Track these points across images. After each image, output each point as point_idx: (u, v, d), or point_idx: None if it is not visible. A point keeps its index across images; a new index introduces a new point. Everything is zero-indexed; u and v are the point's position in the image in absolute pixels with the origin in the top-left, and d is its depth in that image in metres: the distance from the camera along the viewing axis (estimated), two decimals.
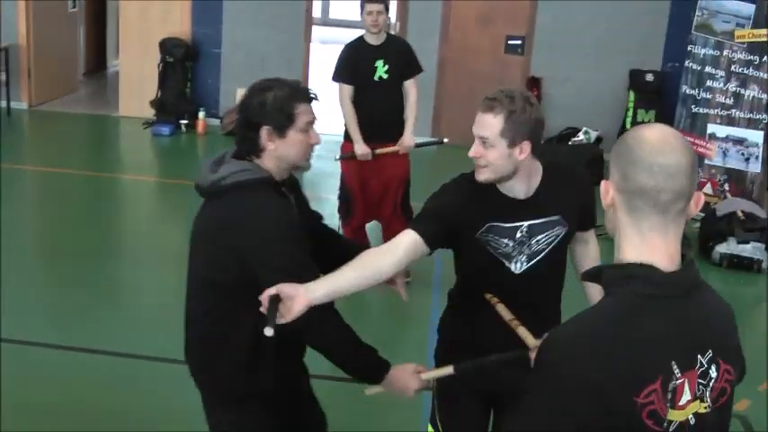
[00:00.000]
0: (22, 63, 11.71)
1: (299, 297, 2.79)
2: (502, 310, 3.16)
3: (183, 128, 11.12)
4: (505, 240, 3.16)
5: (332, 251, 3.38)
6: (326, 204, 7.49)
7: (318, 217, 3.55)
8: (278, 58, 11.18)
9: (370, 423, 4.91)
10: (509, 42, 11.01)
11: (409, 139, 6.52)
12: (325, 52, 16.87)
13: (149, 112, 11.18)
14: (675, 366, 1.85)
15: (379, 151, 6.48)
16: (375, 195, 6.69)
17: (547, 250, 3.19)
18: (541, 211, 3.16)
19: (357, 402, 4.53)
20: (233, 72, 11.31)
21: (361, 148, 6.49)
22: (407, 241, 3.06)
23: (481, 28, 10.89)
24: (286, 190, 3.19)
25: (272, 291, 2.76)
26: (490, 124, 3.02)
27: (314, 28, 12.19)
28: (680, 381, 1.86)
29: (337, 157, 6.80)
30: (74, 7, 12.84)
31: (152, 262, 6.93)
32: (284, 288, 2.78)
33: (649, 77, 10.75)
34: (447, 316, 3.53)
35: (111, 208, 8.99)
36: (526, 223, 3.16)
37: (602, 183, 1.97)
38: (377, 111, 6.48)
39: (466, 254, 3.29)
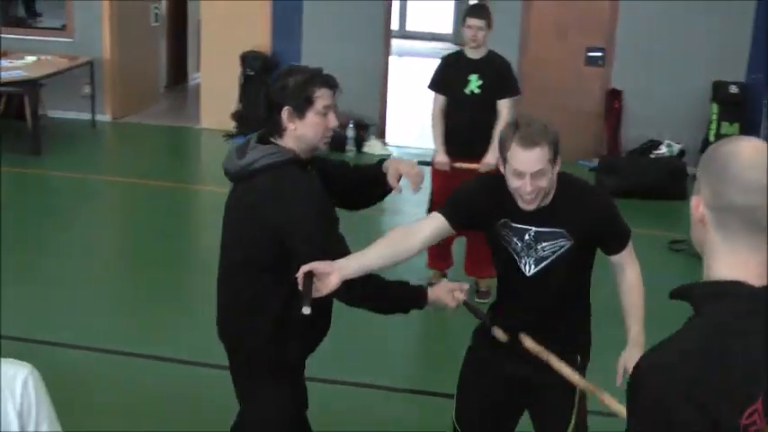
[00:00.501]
0: (106, 77, 11.92)
1: (334, 273, 3.07)
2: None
3: None
4: (516, 239, 3.41)
5: (366, 189, 3.81)
6: (409, 217, 7.48)
7: (345, 165, 3.86)
8: (356, 71, 11.21)
9: None
10: (589, 54, 10.88)
11: (492, 159, 6.36)
12: (402, 65, 16.91)
13: (230, 125, 11.29)
14: None
15: (457, 165, 6.41)
16: None
17: (552, 258, 3.38)
18: (548, 221, 3.36)
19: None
20: None
21: (439, 157, 6.47)
22: (435, 223, 3.44)
23: (560, 40, 10.80)
24: (311, 169, 3.44)
25: (306, 268, 3.01)
26: (541, 158, 3.20)
27: (392, 41, 12.23)
28: None
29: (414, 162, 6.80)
30: (156, 22, 13.03)
31: None
32: (319, 265, 3.06)
33: (733, 89, 10.53)
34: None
35: (192, 219, 9.10)
36: (534, 229, 3.37)
37: (693, 198, 1.90)
38: (463, 125, 6.44)
39: (491, 241, 3.53)
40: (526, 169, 3.21)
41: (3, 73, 10.17)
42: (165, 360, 5.68)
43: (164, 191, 9.52)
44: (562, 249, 3.38)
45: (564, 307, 3.53)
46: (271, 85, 3.42)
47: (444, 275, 6.75)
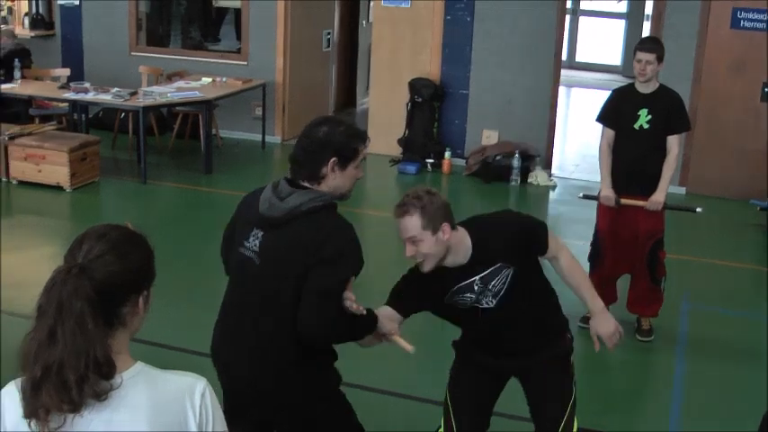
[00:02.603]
0: (277, 99, 12.23)
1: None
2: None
3: (429, 167, 11.23)
4: (468, 294, 3.74)
5: None
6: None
7: None
8: (524, 101, 11.18)
9: None
10: (766, 90, 10.54)
11: (659, 197, 6.26)
12: (569, 95, 16.79)
13: (396, 150, 11.40)
14: None
15: (624, 201, 6.32)
16: (627, 248, 6.48)
17: (505, 288, 3.73)
18: (484, 265, 3.71)
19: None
20: (479, 113, 11.39)
21: (605, 191, 6.38)
22: (385, 313, 3.75)
23: (736, 75, 10.47)
24: None
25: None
26: (411, 224, 3.55)
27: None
28: None
29: (580, 195, 6.77)
30: (327, 47, 13.29)
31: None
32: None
33: None
34: (459, 339, 4.17)
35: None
36: (477, 277, 3.72)
37: None
38: (631, 160, 6.32)
39: (444, 313, 3.93)
40: (401, 235, 3.60)
41: (180, 93, 10.54)
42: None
43: None
44: (509, 278, 3.73)
45: (535, 314, 3.90)
46: (311, 132, 3.51)
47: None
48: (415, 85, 11.37)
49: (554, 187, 10.78)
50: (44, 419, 2.05)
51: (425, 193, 3.60)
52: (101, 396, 2.07)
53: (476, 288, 3.73)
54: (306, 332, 3.36)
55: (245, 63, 12.22)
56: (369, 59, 12.51)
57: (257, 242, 3.46)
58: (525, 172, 10.78)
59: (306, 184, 3.47)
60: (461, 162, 11.32)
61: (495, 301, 3.76)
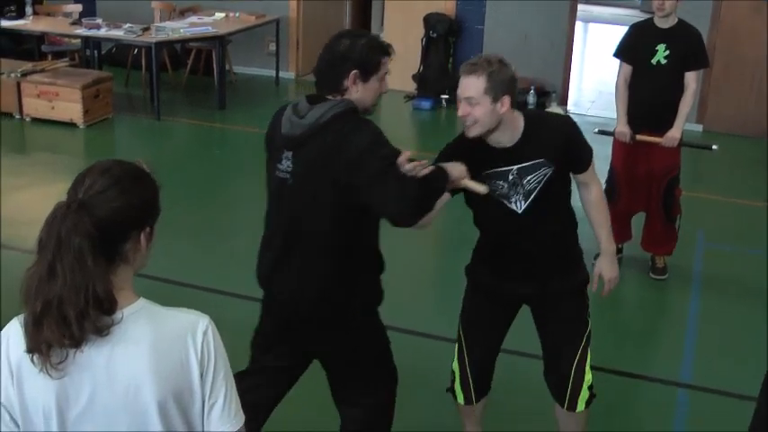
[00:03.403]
0: (291, 35, 12.14)
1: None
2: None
3: (444, 103, 11.16)
4: (500, 182, 3.68)
5: None
6: None
7: None
8: (540, 36, 11.07)
9: None
10: None
11: (675, 133, 6.17)
12: (586, 31, 16.60)
13: (411, 86, 11.31)
14: None
15: (639, 137, 6.25)
16: (642, 185, 6.42)
17: (539, 188, 3.66)
18: (527, 156, 3.65)
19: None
20: (495, 49, 11.24)
21: (621, 127, 6.32)
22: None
23: (755, 11, 10.31)
24: None
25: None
26: (474, 85, 3.53)
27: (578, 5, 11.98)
28: None
29: (595, 131, 6.71)
30: None
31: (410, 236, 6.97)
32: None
33: None
34: (471, 263, 4.07)
35: None
36: (515, 167, 3.66)
37: None
38: (648, 96, 6.24)
39: (473, 202, 3.82)
40: (459, 93, 3.59)
41: (193, 28, 10.46)
42: None
43: None
44: (546, 177, 3.66)
45: (557, 232, 3.85)
46: (333, 45, 3.49)
47: (620, 250, 6.62)
48: (430, 21, 11.26)
49: None
50: (46, 354, 2.05)
51: (498, 60, 3.58)
52: (102, 331, 2.06)
53: (510, 178, 3.67)
54: (392, 219, 3.37)
55: None
56: None
57: (289, 163, 3.45)
58: (541, 108, 10.69)
59: (329, 98, 3.43)
60: None
61: (524, 204, 3.68)
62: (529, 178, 3.65)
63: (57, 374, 2.07)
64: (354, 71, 3.40)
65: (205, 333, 2.17)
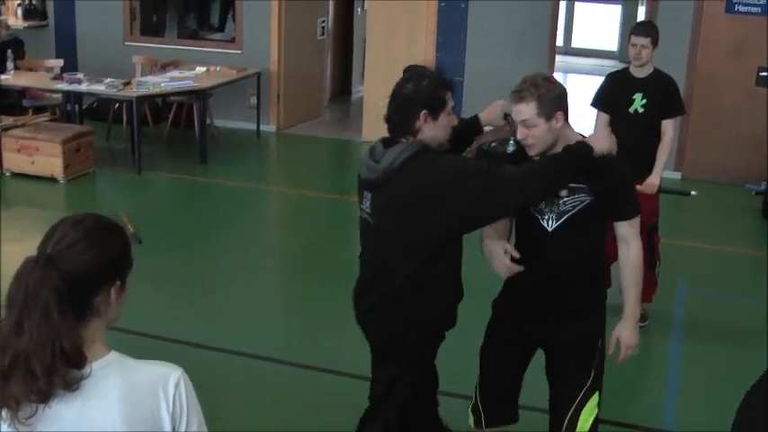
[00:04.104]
0: (272, 88, 12.20)
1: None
2: None
3: None
4: None
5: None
6: None
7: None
8: None
9: None
10: (761, 74, 10.50)
11: (655, 180, 6.22)
12: (565, 81, 16.75)
13: None
14: None
15: None
16: None
17: (573, 212, 3.65)
18: None
19: None
20: (475, 100, 11.31)
21: None
22: None
23: (731, 59, 10.45)
24: None
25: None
26: (526, 110, 3.60)
27: (556, 57, 12.10)
28: None
29: None
30: (322, 35, 13.24)
31: None
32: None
33: None
34: (498, 296, 4.06)
35: (351, 230, 9.16)
36: None
37: None
38: (626, 144, 6.25)
39: (517, 216, 3.84)
40: (515, 117, 3.68)
41: (174, 82, 10.51)
42: (321, 370, 5.74)
43: (325, 201, 9.65)
44: (582, 204, 3.65)
45: (581, 263, 3.80)
46: (399, 90, 3.65)
47: (644, 317, 6.60)
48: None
49: None
50: (15, 409, 2.03)
51: (543, 79, 3.67)
52: (71, 386, 2.05)
53: None
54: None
55: (240, 52, 12.18)
56: (364, 47, 12.47)
57: (368, 203, 3.68)
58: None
59: (402, 140, 3.60)
60: None
61: (556, 223, 3.68)
62: (566, 199, 3.67)
63: (24, 429, 2.06)
64: (423, 112, 3.57)
65: (177, 385, 2.16)
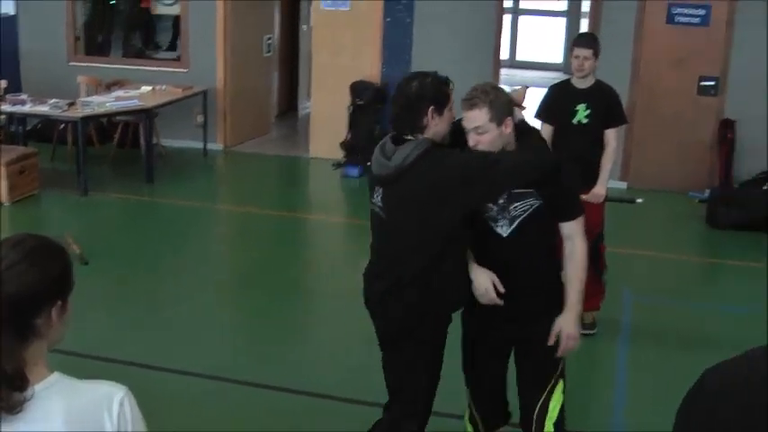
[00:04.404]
0: (219, 106, 12.17)
1: None
2: None
3: None
4: (491, 204, 3.83)
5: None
6: None
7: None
8: None
9: None
10: (702, 83, 10.68)
11: (600, 189, 6.32)
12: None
13: (339, 154, 11.33)
14: None
15: None
16: None
17: (524, 217, 3.82)
18: None
19: None
20: None
21: None
22: None
23: (673, 69, 10.62)
24: None
25: None
26: (479, 117, 3.74)
27: (501, 70, 12.19)
28: None
29: None
30: (268, 52, 13.24)
31: (337, 300, 6.99)
32: None
33: None
34: (464, 310, 4.14)
35: (299, 247, 9.17)
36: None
37: None
38: (571, 155, 6.34)
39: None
40: (466, 125, 3.78)
41: (119, 102, 10.45)
42: (269, 388, 5.73)
43: (272, 219, 9.64)
44: (532, 208, 3.81)
45: (539, 264, 3.97)
46: (404, 90, 3.83)
47: (593, 325, 6.67)
48: (357, 88, 11.35)
49: None
50: None
51: (492, 87, 3.86)
52: (13, 409, 2.03)
53: (500, 201, 3.83)
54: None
55: (186, 70, 12.15)
56: (310, 64, 12.49)
57: (380, 197, 3.87)
58: None
59: (410, 137, 3.78)
60: None
61: (509, 229, 3.84)
62: (516, 205, 3.82)
63: None
64: (431, 107, 3.77)
65: (121, 404, 2.14)
